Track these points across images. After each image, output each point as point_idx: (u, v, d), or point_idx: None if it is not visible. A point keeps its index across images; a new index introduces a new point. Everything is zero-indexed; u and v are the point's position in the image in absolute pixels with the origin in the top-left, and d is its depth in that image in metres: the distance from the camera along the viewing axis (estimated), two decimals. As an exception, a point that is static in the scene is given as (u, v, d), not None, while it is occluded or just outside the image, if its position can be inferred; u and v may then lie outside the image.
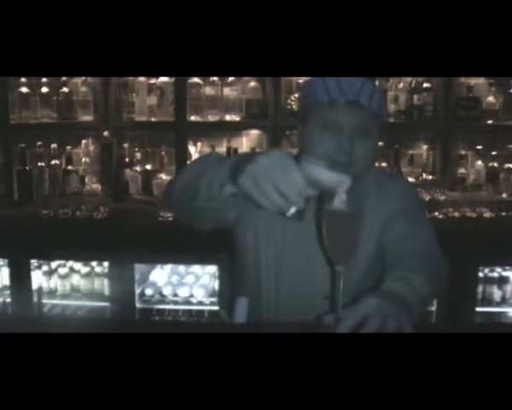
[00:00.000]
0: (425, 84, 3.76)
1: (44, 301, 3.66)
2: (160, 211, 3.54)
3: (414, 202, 1.99)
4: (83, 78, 3.94)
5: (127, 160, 4.03)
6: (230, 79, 3.86)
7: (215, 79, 3.86)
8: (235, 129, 4.01)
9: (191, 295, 3.56)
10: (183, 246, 3.22)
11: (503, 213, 3.58)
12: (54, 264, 3.67)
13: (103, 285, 3.61)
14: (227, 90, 3.87)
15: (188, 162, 3.83)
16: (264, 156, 1.33)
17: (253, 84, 3.83)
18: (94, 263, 3.63)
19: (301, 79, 3.75)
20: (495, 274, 3.48)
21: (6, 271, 3.57)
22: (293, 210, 1.31)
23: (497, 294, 3.48)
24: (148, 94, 3.87)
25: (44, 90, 3.92)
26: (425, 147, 3.99)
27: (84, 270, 3.63)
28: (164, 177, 3.93)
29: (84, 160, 4.11)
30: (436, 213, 3.51)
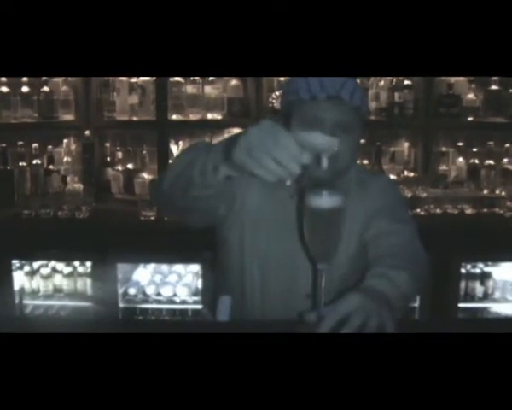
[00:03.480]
0: (406, 82, 3.77)
1: (27, 301, 3.64)
2: (142, 210, 3.53)
3: (396, 199, 2.00)
4: (63, 77, 3.91)
5: (109, 159, 4.01)
6: (212, 77, 3.85)
7: (196, 77, 3.85)
8: (217, 127, 3.99)
9: (174, 295, 3.55)
10: (165, 245, 3.22)
11: (485, 210, 3.61)
12: (36, 264, 3.65)
13: (86, 285, 3.60)
14: (208, 89, 3.85)
15: (170, 161, 3.83)
16: (255, 128, 1.32)
17: (234, 82, 3.82)
18: (76, 263, 3.61)
19: (283, 78, 3.76)
20: (477, 270, 3.51)
21: (-13, 272, 3.54)
22: (290, 180, 1.30)
23: (479, 290, 3.50)
24: (129, 93, 3.85)
25: (25, 89, 3.88)
26: (406, 144, 4.01)
27: (67, 270, 3.61)
28: (145, 176, 3.92)
29: (65, 159, 4.08)
30: (418, 210, 3.53)
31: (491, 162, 3.80)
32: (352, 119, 1.76)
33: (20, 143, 3.90)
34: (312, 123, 1.70)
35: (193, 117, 3.84)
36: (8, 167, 3.88)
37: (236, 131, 3.87)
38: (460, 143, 3.92)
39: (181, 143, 3.97)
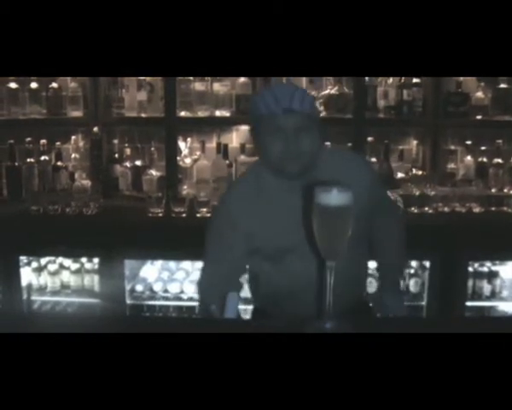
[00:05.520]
0: (414, 80, 3.75)
1: (34, 297, 3.65)
2: (150, 207, 3.53)
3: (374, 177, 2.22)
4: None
5: (117, 156, 4.02)
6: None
7: (205, 75, 3.84)
8: (225, 124, 4.00)
9: (182, 291, 3.56)
10: (173, 242, 3.22)
11: (493, 208, 3.60)
12: (43, 260, 3.66)
13: (93, 282, 3.61)
14: (217, 86, 3.85)
15: (178, 158, 3.84)
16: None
17: (242, 79, 3.82)
18: (84, 259, 3.62)
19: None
20: (484, 269, 3.51)
21: (-5, 267, 3.55)
22: None
23: (486, 288, 3.50)
24: (137, 90, 3.85)
25: (33, 85, 3.89)
26: (415, 142, 4.00)
27: (74, 266, 3.63)
28: (154, 173, 3.92)
29: (73, 156, 4.08)
30: (426, 208, 3.53)
31: (500, 161, 3.78)
32: (307, 121, 1.93)
33: (29, 139, 3.90)
34: (276, 131, 1.91)
35: (201, 114, 3.84)
36: (17, 164, 3.89)
37: (244, 128, 3.88)
38: (468, 142, 3.90)
39: (189, 139, 3.97)
